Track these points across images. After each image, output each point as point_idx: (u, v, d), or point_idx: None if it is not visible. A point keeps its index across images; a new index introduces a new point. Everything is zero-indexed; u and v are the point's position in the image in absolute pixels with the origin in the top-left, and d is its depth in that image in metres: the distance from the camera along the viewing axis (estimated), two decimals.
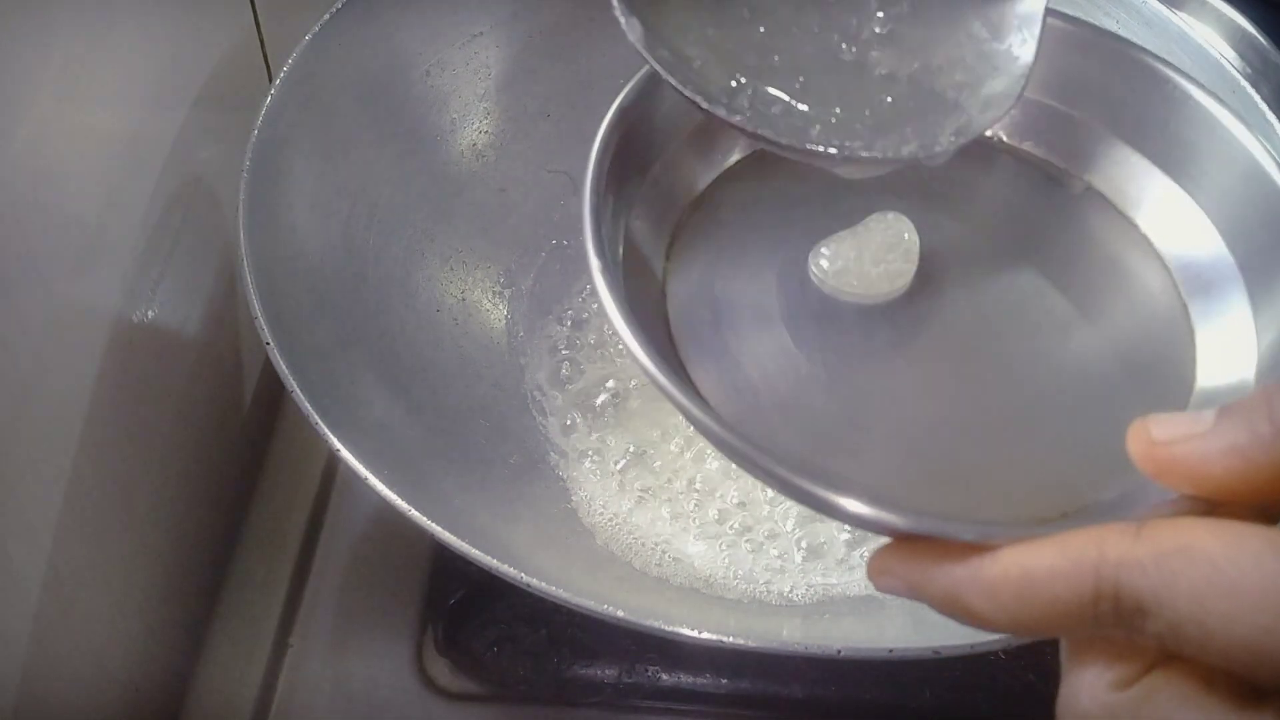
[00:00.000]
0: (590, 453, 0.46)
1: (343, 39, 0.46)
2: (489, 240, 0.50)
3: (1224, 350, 0.30)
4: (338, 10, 0.45)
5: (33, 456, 0.35)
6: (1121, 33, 0.46)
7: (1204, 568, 0.20)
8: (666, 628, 0.33)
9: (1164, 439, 0.22)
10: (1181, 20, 0.44)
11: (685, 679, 0.45)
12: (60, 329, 0.36)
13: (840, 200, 0.33)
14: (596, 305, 0.50)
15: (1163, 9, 0.45)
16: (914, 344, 0.30)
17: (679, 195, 0.32)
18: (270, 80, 0.44)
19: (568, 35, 0.52)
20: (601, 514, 0.44)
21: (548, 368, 0.48)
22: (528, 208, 0.51)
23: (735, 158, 0.33)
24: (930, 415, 0.29)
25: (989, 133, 0.34)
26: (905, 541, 0.24)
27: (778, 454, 0.24)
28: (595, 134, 0.30)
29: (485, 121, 0.51)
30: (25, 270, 0.34)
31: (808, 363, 0.29)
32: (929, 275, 0.31)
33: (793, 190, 0.33)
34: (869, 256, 0.31)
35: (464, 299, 0.49)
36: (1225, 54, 0.44)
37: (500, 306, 0.49)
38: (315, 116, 0.45)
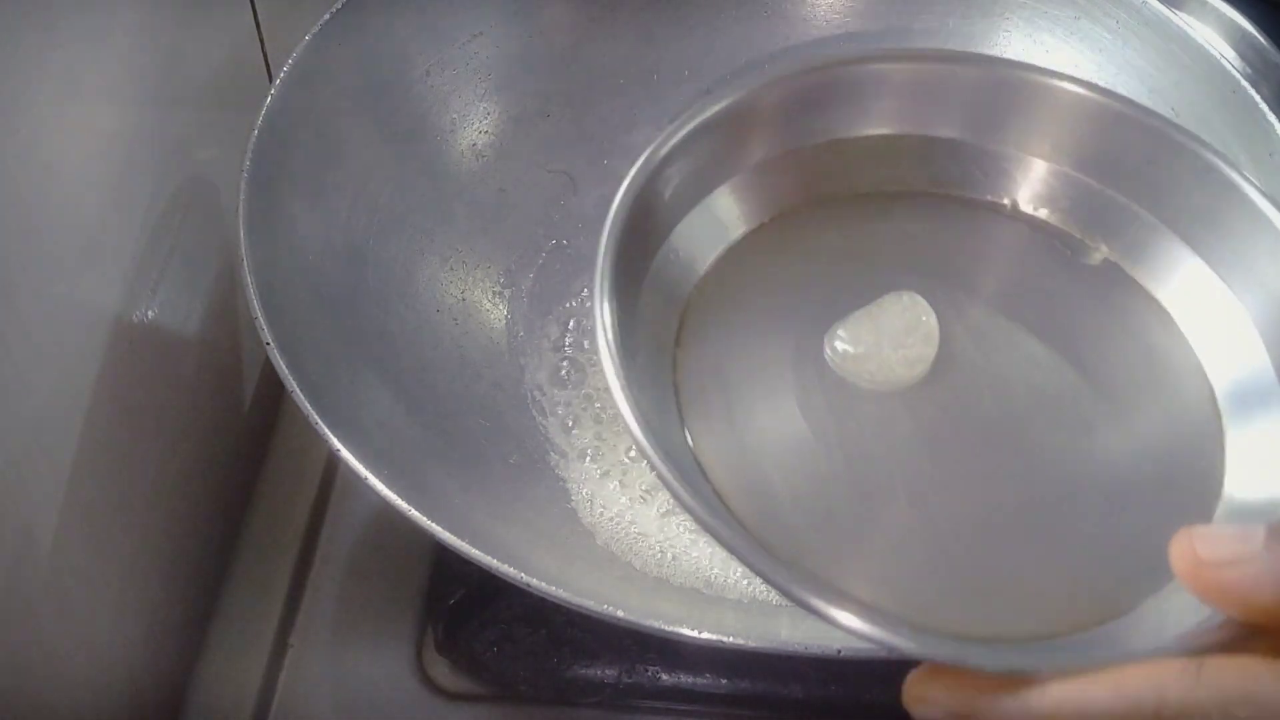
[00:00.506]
0: (590, 452, 0.46)
1: (343, 39, 0.46)
2: (489, 240, 0.50)
3: (1256, 448, 0.28)
4: (338, 10, 0.45)
5: (33, 456, 0.35)
6: (1121, 33, 0.46)
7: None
8: (666, 628, 0.33)
9: (1211, 559, 0.21)
10: (1181, 20, 0.44)
11: (685, 679, 0.45)
12: (60, 329, 0.36)
13: (854, 277, 0.32)
14: (580, 309, 0.50)
15: (1163, 9, 0.45)
16: (934, 435, 0.29)
17: (685, 277, 0.31)
18: (270, 80, 0.44)
19: (568, 35, 0.52)
20: (601, 514, 0.44)
21: (548, 368, 0.48)
22: (528, 208, 0.51)
23: (741, 231, 0.32)
24: (953, 514, 0.28)
25: (1005, 200, 0.33)
26: (944, 668, 0.23)
27: (802, 575, 0.24)
28: (608, 208, 0.29)
29: (485, 121, 0.51)
30: (25, 270, 0.34)
31: (825, 457, 0.28)
32: (948, 359, 0.30)
33: (803, 266, 0.32)
34: (887, 341, 0.30)
35: (464, 299, 0.49)
36: (1225, 54, 0.44)
37: (500, 306, 0.49)
38: (315, 116, 0.45)
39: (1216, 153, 0.30)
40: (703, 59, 0.53)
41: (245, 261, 0.39)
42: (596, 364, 0.48)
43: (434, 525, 0.34)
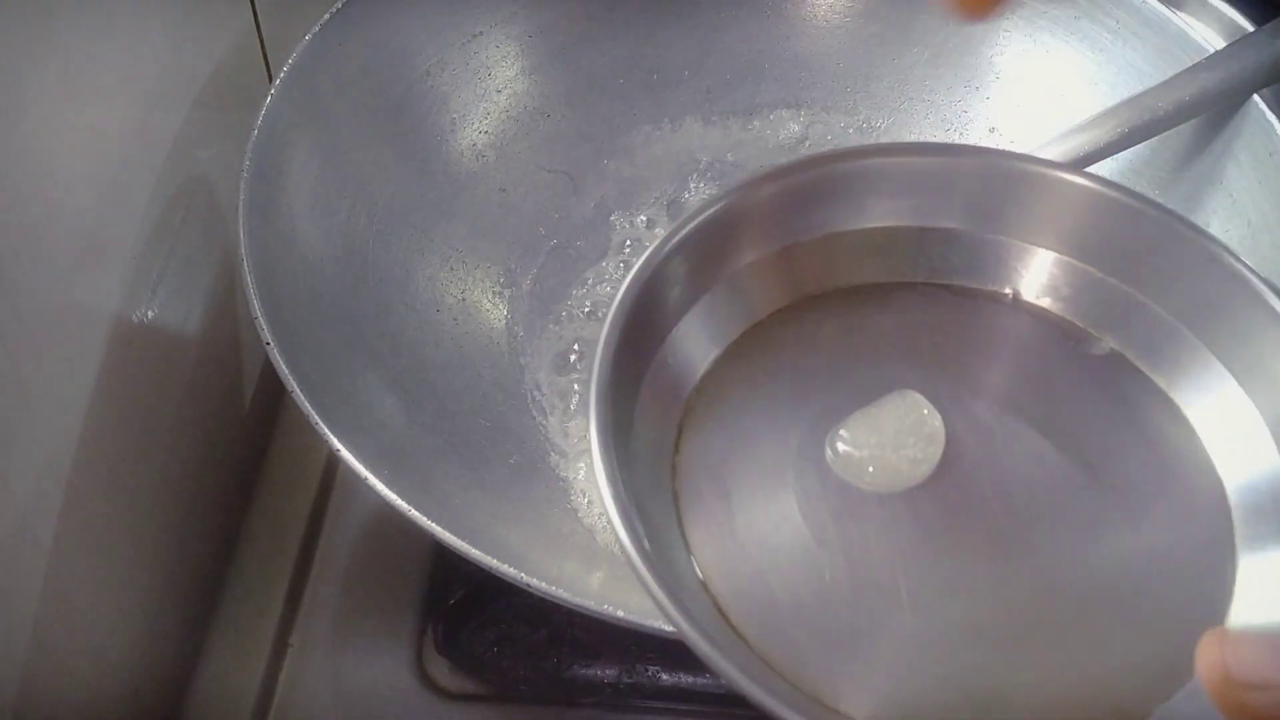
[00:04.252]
0: (590, 453, 0.46)
1: (343, 39, 0.46)
2: (489, 240, 0.50)
3: (1269, 545, 0.28)
4: (338, 10, 0.45)
5: (33, 456, 0.35)
6: (1121, 33, 0.46)
7: None
8: (666, 628, 0.33)
9: (1242, 678, 0.20)
10: (1181, 20, 0.44)
11: (685, 679, 0.45)
12: (60, 329, 0.36)
13: (854, 373, 0.31)
14: (589, 306, 0.50)
15: (1163, 9, 0.45)
16: (938, 538, 0.29)
17: (684, 381, 0.31)
18: (270, 80, 0.44)
19: (568, 35, 0.52)
20: (601, 514, 0.44)
21: (548, 367, 0.48)
22: (528, 208, 0.51)
23: (739, 330, 0.32)
24: (956, 621, 0.27)
25: (1006, 290, 0.33)
26: None
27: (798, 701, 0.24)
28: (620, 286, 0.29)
29: (485, 121, 0.51)
30: (25, 270, 0.34)
31: (828, 563, 0.28)
32: (952, 457, 0.29)
33: (802, 363, 0.32)
34: (888, 442, 0.29)
35: (464, 299, 0.49)
36: None
37: (500, 306, 0.49)
38: (315, 116, 0.45)
39: (1219, 243, 0.29)
40: (703, 59, 0.54)
41: (245, 261, 0.39)
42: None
43: (434, 525, 0.34)
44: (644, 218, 0.53)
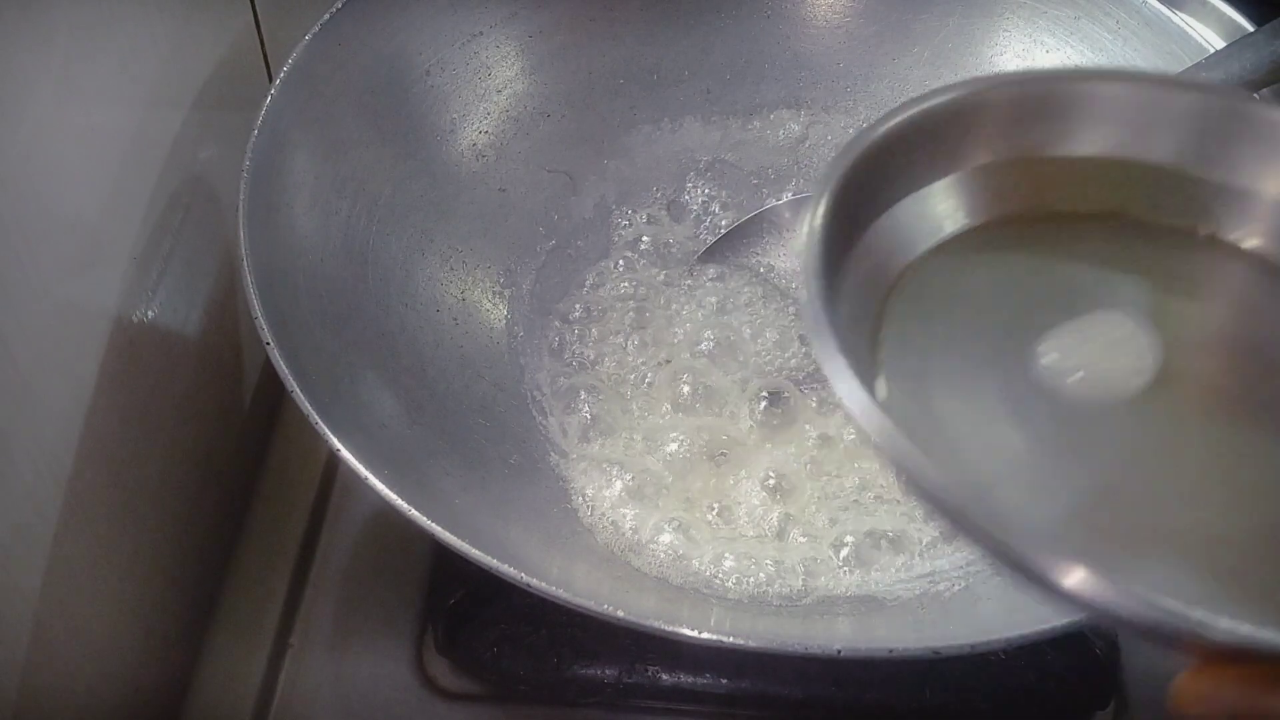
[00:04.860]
0: (590, 452, 0.46)
1: (343, 39, 0.46)
2: (489, 240, 0.50)
3: None
4: (338, 10, 0.45)
5: (33, 456, 0.35)
6: (1121, 33, 0.46)
7: None
8: (666, 628, 0.33)
9: None
10: (1181, 20, 0.44)
11: (685, 679, 0.45)
12: (60, 329, 0.36)
13: (1058, 285, 0.30)
14: (580, 310, 0.50)
15: (1163, 9, 0.45)
16: (1161, 445, 0.27)
17: (891, 262, 0.29)
18: (270, 80, 0.44)
19: (568, 35, 0.52)
20: (601, 514, 0.44)
21: (548, 368, 0.48)
22: (528, 208, 0.51)
23: (954, 228, 0.30)
24: (1189, 529, 0.25)
25: (1230, 235, 0.30)
26: (1227, 662, 0.20)
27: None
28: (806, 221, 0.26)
29: (485, 121, 0.51)
30: (25, 270, 0.34)
31: (1053, 462, 0.26)
32: (1170, 375, 0.27)
33: (1002, 271, 0.30)
34: (1100, 353, 0.28)
35: (464, 299, 0.49)
36: None
37: (500, 306, 0.49)
38: (315, 116, 0.45)
39: None
40: (703, 59, 0.54)
41: (245, 261, 0.39)
42: (597, 363, 0.49)
43: (434, 525, 0.34)
44: (644, 217, 0.53)
